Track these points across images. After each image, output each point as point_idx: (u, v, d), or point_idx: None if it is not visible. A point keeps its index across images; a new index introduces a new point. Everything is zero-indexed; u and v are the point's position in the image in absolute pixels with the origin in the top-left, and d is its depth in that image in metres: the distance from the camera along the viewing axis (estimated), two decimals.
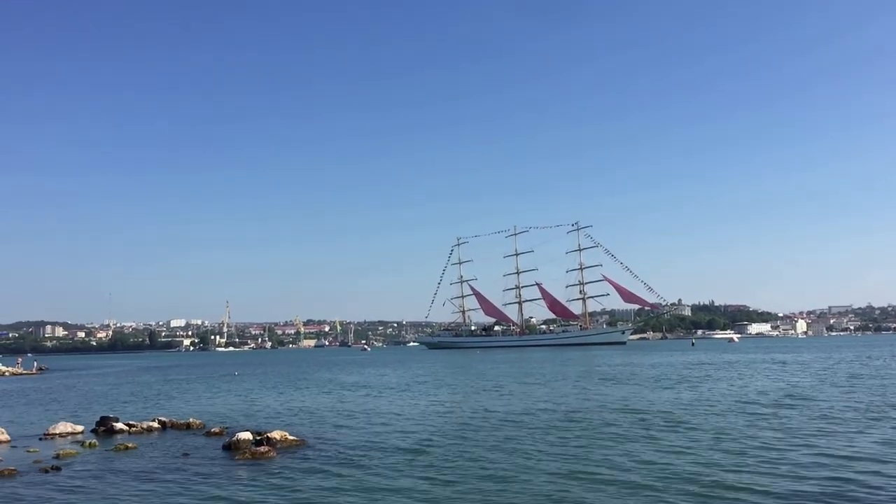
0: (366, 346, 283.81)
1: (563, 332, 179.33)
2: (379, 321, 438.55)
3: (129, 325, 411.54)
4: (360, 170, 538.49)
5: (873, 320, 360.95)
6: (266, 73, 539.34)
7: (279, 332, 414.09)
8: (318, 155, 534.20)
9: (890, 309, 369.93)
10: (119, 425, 25.41)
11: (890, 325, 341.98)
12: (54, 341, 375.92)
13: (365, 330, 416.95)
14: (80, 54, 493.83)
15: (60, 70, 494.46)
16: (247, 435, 21.28)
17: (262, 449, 19.69)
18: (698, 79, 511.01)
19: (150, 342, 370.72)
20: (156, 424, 26.20)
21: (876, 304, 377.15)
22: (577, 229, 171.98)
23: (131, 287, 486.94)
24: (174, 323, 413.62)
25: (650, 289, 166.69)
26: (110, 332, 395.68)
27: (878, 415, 24.46)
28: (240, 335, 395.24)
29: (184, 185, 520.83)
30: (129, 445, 21.73)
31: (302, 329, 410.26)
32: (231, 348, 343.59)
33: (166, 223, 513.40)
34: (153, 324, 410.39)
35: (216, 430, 24.55)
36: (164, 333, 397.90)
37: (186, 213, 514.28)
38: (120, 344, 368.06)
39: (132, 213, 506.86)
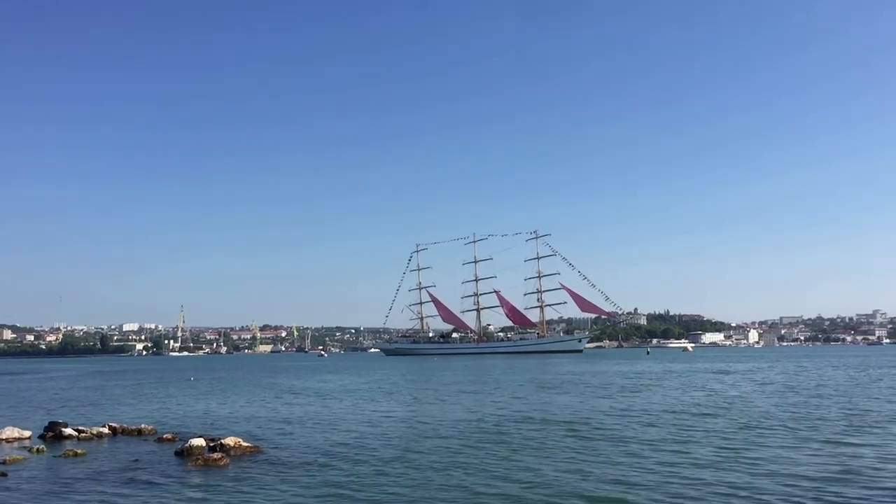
0: (323, 352, 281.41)
1: (521, 339, 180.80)
2: (336, 327, 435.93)
3: (80, 328, 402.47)
4: (321, 178, 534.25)
5: (823, 331, 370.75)
6: (240, 83, 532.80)
7: (235, 336, 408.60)
8: (276, 164, 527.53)
9: (839, 320, 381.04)
10: (68, 431, 25.03)
11: (839, 335, 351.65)
12: (1, 344, 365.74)
13: (322, 335, 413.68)
14: (61, 60, 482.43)
15: (26, 75, 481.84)
16: (200, 441, 21.14)
17: (216, 455, 19.55)
18: (660, 91, 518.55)
19: (101, 346, 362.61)
20: (106, 430, 25.84)
21: (825, 316, 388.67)
22: (536, 238, 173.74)
23: (83, 290, 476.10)
24: (127, 327, 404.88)
25: (607, 298, 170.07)
26: (60, 336, 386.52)
27: (803, 426, 25.19)
28: (195, 340, 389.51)
29: (140, 191, 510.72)
30: (79, 451, 21.43)
31: (258, 334, 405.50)
32: (185, 353, 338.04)
33: (120, 228, 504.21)
34: (105, 328, 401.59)
35: (168, 436, 24.32)
36: (116, 338, 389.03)
37: (141, 218, 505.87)
38: (70, 348, 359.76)
39: (86, 218, 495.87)
